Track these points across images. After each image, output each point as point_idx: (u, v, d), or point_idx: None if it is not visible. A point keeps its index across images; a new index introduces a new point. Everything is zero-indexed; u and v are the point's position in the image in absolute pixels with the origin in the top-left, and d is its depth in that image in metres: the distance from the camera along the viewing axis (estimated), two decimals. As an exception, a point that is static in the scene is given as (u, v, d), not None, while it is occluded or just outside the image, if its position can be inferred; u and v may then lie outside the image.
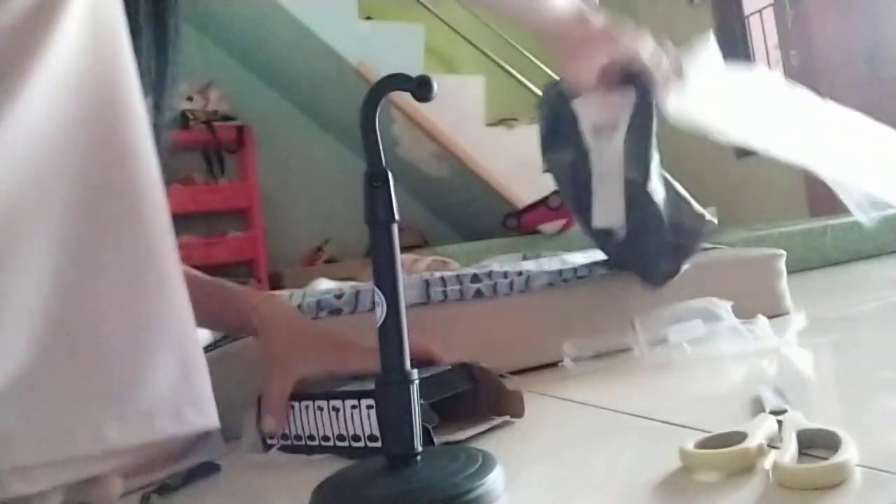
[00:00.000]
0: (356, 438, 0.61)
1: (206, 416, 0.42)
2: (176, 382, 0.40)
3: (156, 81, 0.69)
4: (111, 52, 0.40)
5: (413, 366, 0.49)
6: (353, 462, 0.56)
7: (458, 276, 0.91)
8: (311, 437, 0.64)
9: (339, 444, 0.62)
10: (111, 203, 0.39)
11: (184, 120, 3.13)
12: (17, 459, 0.35)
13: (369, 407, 0.59)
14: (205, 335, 0.84)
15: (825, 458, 0.41)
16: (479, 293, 0.90)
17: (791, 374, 0.73)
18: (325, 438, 0.63)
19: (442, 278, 0.90)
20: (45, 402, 0.36)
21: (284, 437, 0.66)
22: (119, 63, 0.40)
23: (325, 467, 0.53)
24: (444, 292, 0.89)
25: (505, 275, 0.92)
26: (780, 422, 0.49)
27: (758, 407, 0.55)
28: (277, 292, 1.00)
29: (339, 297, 0.87)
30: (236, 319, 0.73)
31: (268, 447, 0.67)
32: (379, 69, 2.69)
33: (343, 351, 0.69)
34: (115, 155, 0.39)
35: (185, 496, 0.58)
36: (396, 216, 0.49)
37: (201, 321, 0.77)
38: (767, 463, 0.43)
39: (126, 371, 0.38)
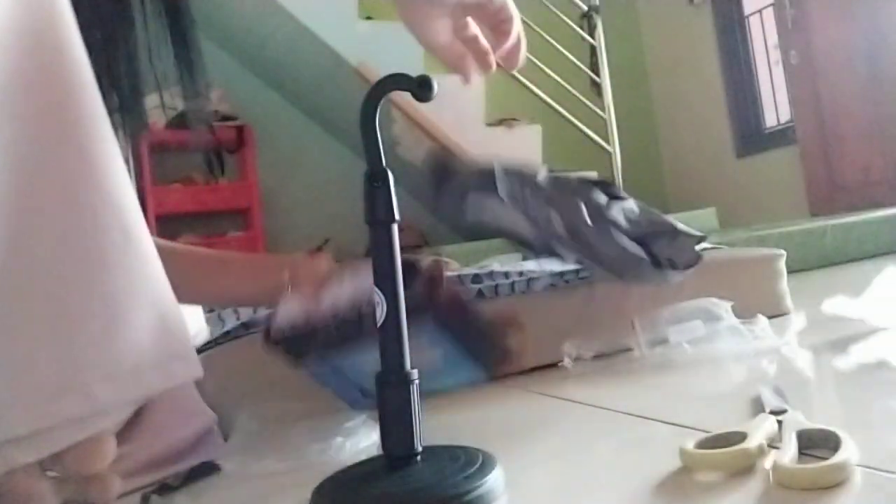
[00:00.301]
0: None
1: (193, 368, 0.42)
2: (157, 337, 0.40)
3: (182, 79, 0.69)
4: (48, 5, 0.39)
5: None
6: (352, 463, 0.56)
7: (458, 276, 0.91)
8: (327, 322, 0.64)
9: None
10: (60, 161, 0.38)
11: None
12: (11, 430, 0.35)
13: None
14: (203, 334, 0.84)
15: (825, 458, 0.41)
16: (479, 294, 0.90)
17: (791, 374, 0.72)
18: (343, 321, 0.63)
19: (442, 278, 0.90)
20: (22, 371, 0.36)
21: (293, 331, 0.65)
22: (58, 15, 0.39)
23: (325, 468, 0.53)
24: (444, 292, 0.89)
25: (506, 275, 0.92)
26: (780, 422, 0.49)
27: (758, 407, 0.55)
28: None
29: (339, 297, 0.86)
30: (267, 279, 0.74)
31: (274, 343, 0.66)
32: (379, 69, 2.69)
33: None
34: (64, 106, 0.38)
35: (185, 496, 0.58)
36: (396, 216, 0.49)
37: (231, 295, 0.78)
38: (767, 463, 0.43)
39: (102, 331, 0.38)
